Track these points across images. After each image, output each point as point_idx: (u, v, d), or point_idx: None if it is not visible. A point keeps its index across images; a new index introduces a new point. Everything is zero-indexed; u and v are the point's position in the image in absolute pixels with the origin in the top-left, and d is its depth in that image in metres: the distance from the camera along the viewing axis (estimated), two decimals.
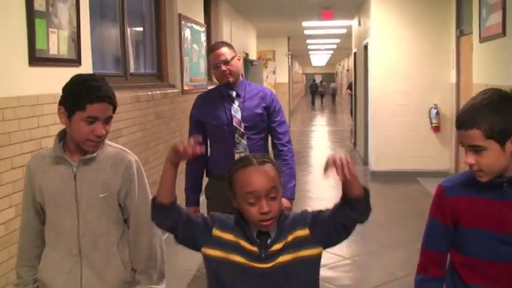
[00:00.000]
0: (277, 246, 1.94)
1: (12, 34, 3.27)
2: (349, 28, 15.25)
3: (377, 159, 9.80)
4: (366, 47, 10.78)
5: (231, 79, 3.59)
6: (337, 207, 1.96)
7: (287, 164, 3.67)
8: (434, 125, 9.37)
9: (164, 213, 1.95)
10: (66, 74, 2.56)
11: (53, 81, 2.06)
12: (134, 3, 6.19)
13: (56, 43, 3.72)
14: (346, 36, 17.38)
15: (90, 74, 2.31)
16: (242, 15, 13.28)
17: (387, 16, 9.55)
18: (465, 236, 2.03)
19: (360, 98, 12.41)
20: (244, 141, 3.59)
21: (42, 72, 3.50)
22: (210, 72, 6.13)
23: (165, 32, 6.88)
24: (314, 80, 43.58)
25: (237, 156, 3.50)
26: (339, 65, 45.57)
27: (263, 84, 14.21)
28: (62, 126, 2.29)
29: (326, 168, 1.84)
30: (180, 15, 7.00)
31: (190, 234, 1.97)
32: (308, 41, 22.44)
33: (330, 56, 35.52)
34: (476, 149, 1.89)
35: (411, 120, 9.52)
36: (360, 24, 12.21)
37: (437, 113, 9.28)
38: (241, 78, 3.71)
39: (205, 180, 3.88)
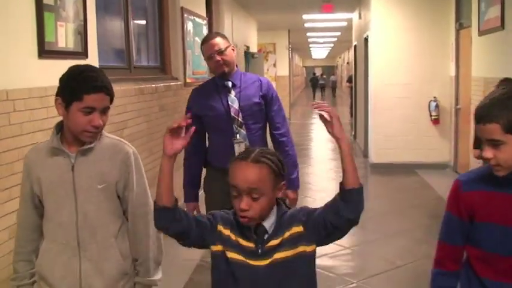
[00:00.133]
0: (274, 242, 1.94)
1: (23, 27, 3.36)
2: (350, 21, 15.30)
3: (377, 152, 9.89)
4: (366, 39, 10.85)
5: (226, 69, 3.55)
6: (331, 203, 1.95)
7: (288, 155, 3.66)
8: (433, 117, 9.45)
9: (169, 217, 1.92)
10: None
11: (61, 73, 2.12)
12: None
13: (64, 36, 3.81)
14: (347, 29, 17.42)
15: (87, 65, 2.31)
16: (243, 8, 13.34)
17: (387, 9, 9.62)
18: (480, 231, 2.03)
19: (360, 90, 12.48)
20: (243, 131, 3.56)
21: (51, 64, 3.58)
22: None
23: (167, 25, 6.96)
24: (314, 73, 43.56)
25: (236, 146, 3.51)
26: (339, 57, 45.58)
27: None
28: None
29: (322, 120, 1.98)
30: (182, 8, 7.08)
31: (201, 235, 1.97)
32: (308, 34, 22.47)
33: (330, 48, 35.55)
34: (494, 143, 1.88)
35: (411, 113, 9.60)
36: (360, 17, 12.27)
37: (437, 106, 9.36)
38: (236, 68, 3.66)
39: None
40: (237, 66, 3.69)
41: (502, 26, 6.10)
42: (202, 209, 3.72)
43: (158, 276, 2.40)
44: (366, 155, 10.98)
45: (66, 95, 2.16)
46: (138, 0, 6.38)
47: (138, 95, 5.42)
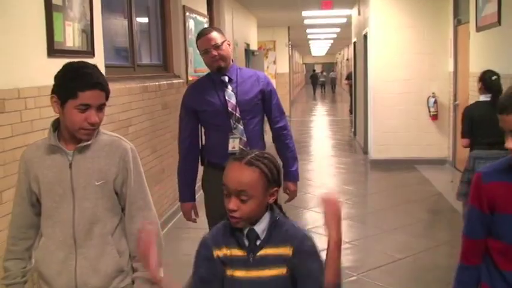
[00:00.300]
0: (264, 252, 1.93)
1: (33, 27, 3.47)
2: (349, 17, 15.37)
3: (376, 148, 9.97)
4: (365, 36, 10.93)
5: (222, 64, 3.48)
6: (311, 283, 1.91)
7: (288, 148, 3.69)
8: (432, 113, 9.54)
9: None
10: None
11: None
12: None
13: (72, 35, 3.91)
14: (346, 26, 17.49)
15: (82, 62, 2.26)
16: (243, 6, 13.43)
17: (386, 6, 9.70)
18: (501, 222, 2.03)
19: (359, 87, 12.56)
20: (240, 126, 3.50)
21: (60, 63, 3.62)
22: None
23: (170, 23, 7.06)
24: (314, 70, 43.62)
25: (231, 141, 3.47)
26: (339, 54, 45.63)
27: None
28: None
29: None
30: (184, 6, 7.18)
31: (216, 278, 1.96)
32: (308, 31, 22.53)
33: (330, 45, 35.60)
34: None
35: (410, 109, 9.69)
36: (359, 13, 12.34)
37: (436, 102, 9.45)
38: (231, 63, 3.59)
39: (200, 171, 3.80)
40: (232, 61, 3.63)
41: (499, 22, 6.18)
42: (202, 211, 3.69)
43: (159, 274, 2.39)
44: (365, 151, 11.08)
45: (61, 92, 2.16)
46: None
47: (142, 93, 5.53)
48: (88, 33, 4.20)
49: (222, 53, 3.47)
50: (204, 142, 3.72)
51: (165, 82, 6.36)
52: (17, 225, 2.31)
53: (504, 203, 2.02)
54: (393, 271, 4.92)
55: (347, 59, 32.78)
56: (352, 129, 14.37)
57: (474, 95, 6.97)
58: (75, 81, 2.13)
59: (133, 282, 2.32)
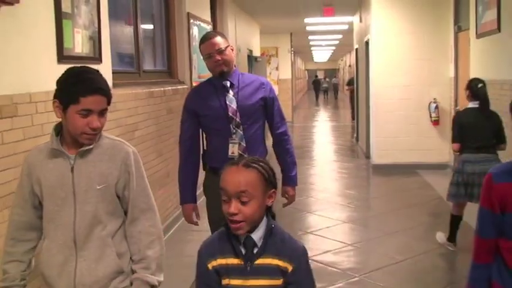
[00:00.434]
0: (262, 261, 1.94)
1: (43, 34, 3.57)
2: (351, 24, 15.48)
3: (378, 153, 10.07)
4: (367, 42, 11.03)
5: (225, 68, 3.48)
6: None
7: (288, 153, 3.71)
8: (433, 118, 9.63)
9: None
10: None
11: None
12: (145, 2, 6.48)
13: (80, 42, 4.02)
14: (348, 32, 17.60)
15: (84, 67, 2.27)
16: (246, 13, 13.56)
17: (387, 13, 9.81)
18: (511, 222, 2.07)
19: (361, 93, 12.66)
20: (240, 132, 3.49)
21: None
22: None
23: (174, 30, 7.17)
24: (317, 76, 43.70)
25: (230, 146, 3.47)
26: (341, 60, 45.75)
27: None
28: None
29: None
30: (188, 13, 7.29)
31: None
32: (310, 37, 22.65)
33: (332, 52, 35.73)
34: None
35: (411, 114, 9.78)
36: (361, 20, 12.44)
37: (437, 107, 9.54)
38: (234, 68, 3.59)
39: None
40: (235, 66, 3.65)
41: (498, 28, 6.27)
42: (205, 213, 3.69)
43: (160, 278, 2.34)
44: (367, 156, 11.16)
45: (63, 97, 2.17)
46: (146, 7, 6.59)
47: (148, 98, 5.64)
48: (96, 40, 4.30)
49: (225, 58, 3.48)
50: (205, 147, 3.74)
51: (169, 88, 6.47)
52: (17, 227, 2.32)
53: None
54: (394, 272, 5.01)
55: (349, 65, 32.88)
56: (355, 135, 14.46)
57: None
58: (77, 87, 2.14)
59: (131, 283, 2.31)
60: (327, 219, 6.82)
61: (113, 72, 4.76)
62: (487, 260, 2.16)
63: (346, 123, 20.15)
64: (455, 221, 5.42)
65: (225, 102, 3.50)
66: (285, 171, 3.76)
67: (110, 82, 4.56)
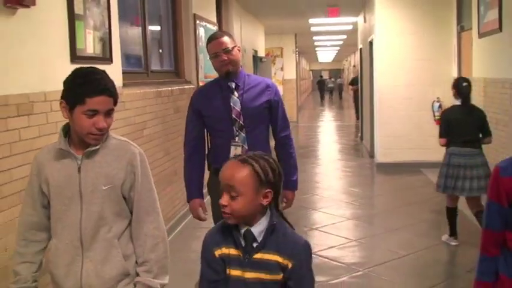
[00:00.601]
0: (261, 256, 1.96)
1: (57, 35, 3.71)
2: (355, 24, 15.56)
3: (382, 152, 10.17)
4: (371, 43, 11.13)
5: (231, 68, 3.47)
6: None
7: (291, 157, 3.68)
8: (437, 117, 9.66)
9: None
10: None
11: None
12: (153, 4, 6.61)
13: (92, 43, 4.16)
14: (352, 33, 17.66)
15: (91, 67, 2.28)
16: (251, 14, 13.68)
17: (391, 13, 9.92)
18: None
19: (366, 92, 12.76)
20: (242, 134, 3.49)
21: None
22: None
23: (181, 31, 7.30)
24: (321, 76, 43.74)
25: (232, 148, 3.47)
26: (346, 61, 45.78)
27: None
28: None
29: None
30: (195, 15, 7.42)
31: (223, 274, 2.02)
32: (315, 38, 22.72)
33: (337, 52, 35.80)
34: None
35: (415, 113, 9.87)
36: (365, 21, 12.55)
37: (440, 106, 9.60)
38: (240, 69, 3.58)
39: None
40: (241, 67, 3.64)
41: (500, 28, 6.37)
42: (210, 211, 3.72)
43: (163, 281, 2.35)
44: (372, 155, 11.27)
45: (69, 98, 2.19)
46: (153, 8, 6.72)
47: (155, 98, 5.77)
48: (106, 41, 4.44)
49: (232, 58, 3.47)
50: (209, 147, 3.74)
51: (177, 87, 6.60)
52: (28, 227, 2.34)
53: None
54: (397, 267, 5.13)
55: (354, 66, 32.93)
56: (359, 134, 14.56)
57: (477, 99, 7.18)
58: (83, 88, 2.16)
59: (135, 285, 2.32)
60: (331, 216, 6.94)
61: (122, 72, 4.89)
62: (495, 252, 2.17)
63: (350, 122, 20.24)
64: (451, 213, 5.62)
65: (229, 104, 3.50)
66: (286, 175, 3.65)
67: (119, 82, 4.70)
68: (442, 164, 5.58)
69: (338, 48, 31.26)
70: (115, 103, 2.25)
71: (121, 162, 2.28)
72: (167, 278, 2.37)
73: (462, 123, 5.44)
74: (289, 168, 3.64)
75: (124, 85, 4.88)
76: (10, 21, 3.15)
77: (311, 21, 15.39)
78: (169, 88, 6.32)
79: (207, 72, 7.95)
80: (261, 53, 15.90)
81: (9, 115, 3.11)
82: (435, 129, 9.92)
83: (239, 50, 3.58)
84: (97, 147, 2.26)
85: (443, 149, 9.57)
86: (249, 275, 1.96)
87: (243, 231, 1.99)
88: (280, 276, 1.95)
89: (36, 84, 3.40)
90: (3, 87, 3.08)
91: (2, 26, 3.08)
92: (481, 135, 5.50)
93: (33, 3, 3.26)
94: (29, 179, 2.35)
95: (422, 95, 9.79)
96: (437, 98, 9.66)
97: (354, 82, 19.97)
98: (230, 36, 3.59)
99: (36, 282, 2.33)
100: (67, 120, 2.27)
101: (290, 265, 1.95)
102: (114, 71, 4.49)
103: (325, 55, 40.36)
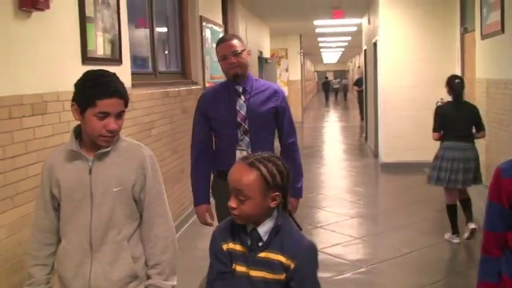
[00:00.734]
0: (265, 255, 1.98)
1: (69, 37, 3.83)
2: (360, 26, 15.65)
3: (386, 152, 10.25)
4: (375, 44, 11.22)
5: (239, 71, 3.43)
6: None
7: (296, 164, 3.58)
8: None
9: None
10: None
11: None
12: (160, 6, 6.73)
13: (102, 44, 4.28)
14: (357, 34, 17.76)
15: (101, 70, 2.29)
16: (256, 16, 13.79)
17: (395, 15, 10.01)
18: None
19: (370, 93, 12.84)
20: (247, 139, 3.46)
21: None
22: None
23: (187, 33, 7.42)
24: (327, 77, 43.80)
25: (238, 153, 3.44)
26: (350, 62, 45.84)
27: (276, 82, 14.72)
28: None
29: None
30: (201, 17, 7.54)
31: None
32: (319, 39, 22.81)
33: (341, 53, 35.88)
34: None
35: (418, 114, 9.93)
36: (369, 22, 12.63)
37: None
38: (248, 72, 3.55)
39: None
40: (249, 71, 3.62)
41: (502, 30, 6.44)
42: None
43: (173, 282, 2.36)
44: (376, 155, 11.34)
45: (80, 100, 2.20)
46: (160, 10, 6.84)
47: (163, 98, 5.89)
48: (116, 43, 4.56)
49: (241, 61, 3.44)
50: (214, 149, 3.70)
51: (184, 88, 6.72)
52: (42, 230, 2.36)
53: None
54: (400, 264, 5.23)
55: (358, 67, 32.98)
56: (364, 135, 14.65)
57: (480, 100, 7.27)
58: (94, 90, 2.16)
59: None
60: (336, 214, 7.05)
61: (131, 73, 5.01)
62: (496, 253, 2.18)
63: (355, 123, 20.33)
64: (451, 210, 5.76)
65: (235, 108, 3.47)
66: (291, 182, 3.64)
67: (129, 83, 4.82)
68: (435, 157, 5.84)
69: (343, 49, 31.34)
70: (126, 105, 2.26)
71: (132, 165, 2.30)
72: (176, 278, 2.39)
73: (456, 119, 5.68)
74: (295, 176, 3.52)
75: (133, 86, 5.00)
76: (25, 24, 3.27)
77: (316, 22, 15.47)
78: (177, 89, 6.44)
79: (213, 73, 8.07)
80: (266, 54, 16.00)
81: (24, 114, 3.24)
82: None
83: (248, 54, 3.57)
84: (108, 149, 2.27)
85: None
86: (254, 273, 1.98)
87: (249, 230, 2.02)
88: (283, 276, 1.97)
89: (50, 85, 3.52)
90: (19, 88, 3.20)
91: (17, 29, 3.20)
92: (474, 131, 5.75)
93: (47, 7, 3.38)
94: (40, 182, 2.38)
95: (426, 95, 9.85)
96: (441, 98, 9.59)
97: (358, 83, 20.04)
98: (240, 39, 3.58)
99: (49, 284, 2.37)
100: (78, 120, 2.29)
101: (292, 265, 1.96)
102: (124, 72, 4.61)
103: (330, 56, 40.44)
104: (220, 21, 9.01)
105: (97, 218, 2.25)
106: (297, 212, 3.49)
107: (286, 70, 19.80)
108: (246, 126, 3.45)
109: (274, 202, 1.98)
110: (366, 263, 5.23)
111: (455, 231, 5.70)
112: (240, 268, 2.01)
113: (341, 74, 51.70)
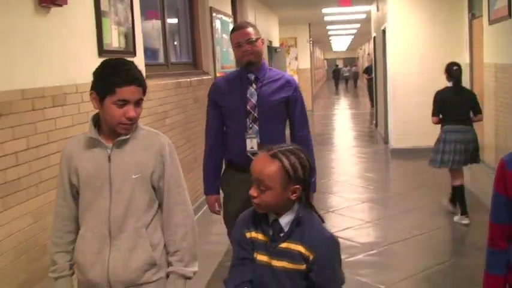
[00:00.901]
0: (286, 245, 2.00)
1: (86, 31, 3.98)
2: (369, 13, 15.67)
3: (396, 138, 10.36)
4: (384, 31, 11.29)
5: (252, 58, 3.41)
6: None
7: (310, 157, 3.67)
8: None
9: None
10: None
11: None
12: None
13: (117, 37, 4.42)
14: (366, 21, 17.77)
15: (119, 58, 2.31)
16: (265, 5, 13.86)
17: (403, 1, 10.09)
18: None
19: (380, 80, 12.91)
20: (256, 127, 3.43)
21: None
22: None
23: (198, 24, 7.55)
24: (337, 65, 43.74)
25: (248, 141, 3.43)
26: (360, 49, 45.72)
27: (286, 70, 14.80)
28: None
29: None
30: (211, 8, 7.65)
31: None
32: (328, 27, 22.81)
33: (351, 40, 35.83)
34: None
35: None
36: (378, 9, 12.68)
37: None
38: (262, 61, 3.52)
39: None
40: (264, 59, 3.59)
41: (509, 15, 6.48)
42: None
43: (194, 268, 2.37)
44: (386, 141, 11.45)
45: (99, 89, 2.21)
46: (171, 2, 6.96)
47: (175, 89, 6.03)
48: (130, 35, 4.70)
49: (255, 49, 3.42)
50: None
51: (195, 78, 6.86)
52: (62, 219, 2.38)
53: None
54: (410, 245, 5.38)
55: (368, 54, 32.93)
56: (374, 121, 14.73)
57: (489, 84, 7.36)
58: (113, 78, 2.18)
59: (167, 276, 2.35)
60: (347, 199, 7.19)
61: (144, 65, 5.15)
62: (503, 245, 2.18)
63: (365, 110, 20.39)
64: (457, 192, 5.97)
65: (246, 95, 3.46)
66: None
67: (143, 73, 4.95)
68: (437, 141, 6.01)
69: (352, 36, 31.30)
70: (144, 93, 2.28)
71: (151, 152, 2.30)
72: (197, 264, 2.40)
73: (455, 103, 5.92)
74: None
75: (146, 77, 5.10)
76: (45, 19, 3.42)
77: (324, 10, 15.51)
78: (188, 79, 6.57)
79: (224, 63, 8.20)
80: (276, 43, 16.08)
81: (46, 106, 3.39)
82: None
83: (262, 42, 3.54)
84: (127, 136, 2.27)
85: None
86: (276, 263, 2.01)
87: (271, 220, 2.05)
88: (303, 267, 1.98)
89: (69, 77, 3.67)
90: (40, 80, 3.35)
91: (37, 24, 3.35)
92: (472, 115, 5.98)
93: (65, 2, 3.52)
94: (59, 171, 2.39)
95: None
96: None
97: (368, 71, 20.08)
98: (254, 27, 3.53)
99: (71, 270, 2.41)
100: (97, 110, 2.31)
101: (312, 256, 1.97)
102: (138, 63, 4.61)
103: (340, 44, 40.37)
104: (229, 11, 9.12)
105: (116, 206, 2.26)
106: None
107: (296, 59, 19.85)
108: (255, 114, 3.44)
109: (294, 194, 2.00)
110: (377, 245, 5.37)
111: (464, 211, 5.83)
112: (261, 257, 2.04)
113: (351, 61, 51.64)
